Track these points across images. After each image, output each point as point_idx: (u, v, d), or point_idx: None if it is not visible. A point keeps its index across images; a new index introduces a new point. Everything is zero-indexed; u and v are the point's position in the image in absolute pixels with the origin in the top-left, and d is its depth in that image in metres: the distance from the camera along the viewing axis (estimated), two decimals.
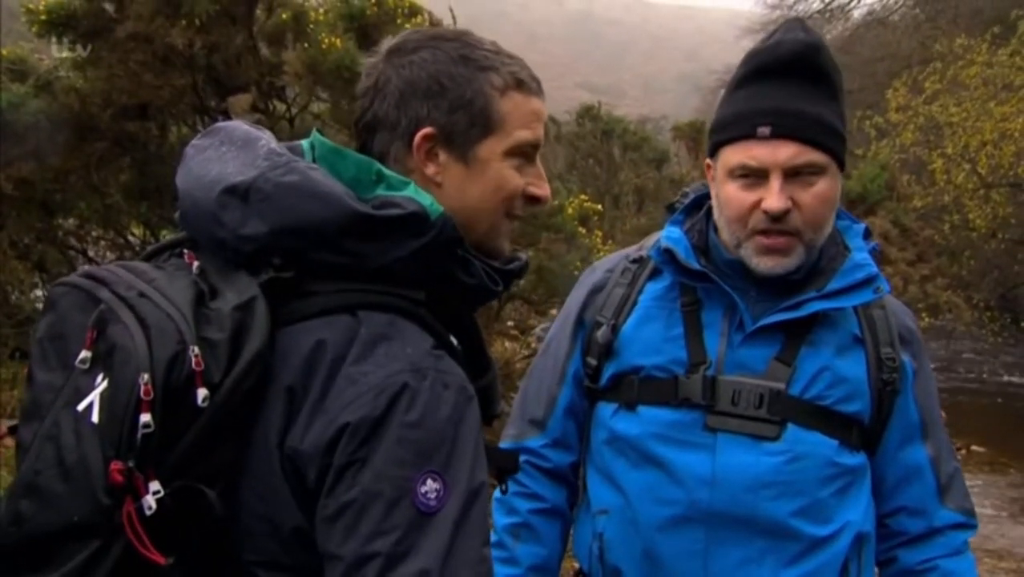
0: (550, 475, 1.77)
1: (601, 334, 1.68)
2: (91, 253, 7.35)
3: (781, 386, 1.57)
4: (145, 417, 0.94)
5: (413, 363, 1.03)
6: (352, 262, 1.07)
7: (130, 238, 7.08)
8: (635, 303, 1.69)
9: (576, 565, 1.77)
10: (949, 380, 14.53)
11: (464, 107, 1.14)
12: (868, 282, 1.59)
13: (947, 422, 1.83)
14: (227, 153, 1.13)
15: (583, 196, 8.62)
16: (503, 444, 1.80)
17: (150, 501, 0.94)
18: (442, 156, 1.15)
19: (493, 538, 1.72)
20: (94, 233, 7.39)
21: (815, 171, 1.56)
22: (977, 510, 1.74)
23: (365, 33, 6.04)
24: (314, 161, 1.15)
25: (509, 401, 2.29)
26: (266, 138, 1.15)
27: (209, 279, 1.08)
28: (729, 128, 1.60)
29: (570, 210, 6.76)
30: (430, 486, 0.99)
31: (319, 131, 1.21)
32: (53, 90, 6.03)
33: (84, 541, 0.96)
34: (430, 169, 1.15)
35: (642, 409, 1.63)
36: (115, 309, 1.02)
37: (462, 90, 1.14)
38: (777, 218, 1.54)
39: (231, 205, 1.08)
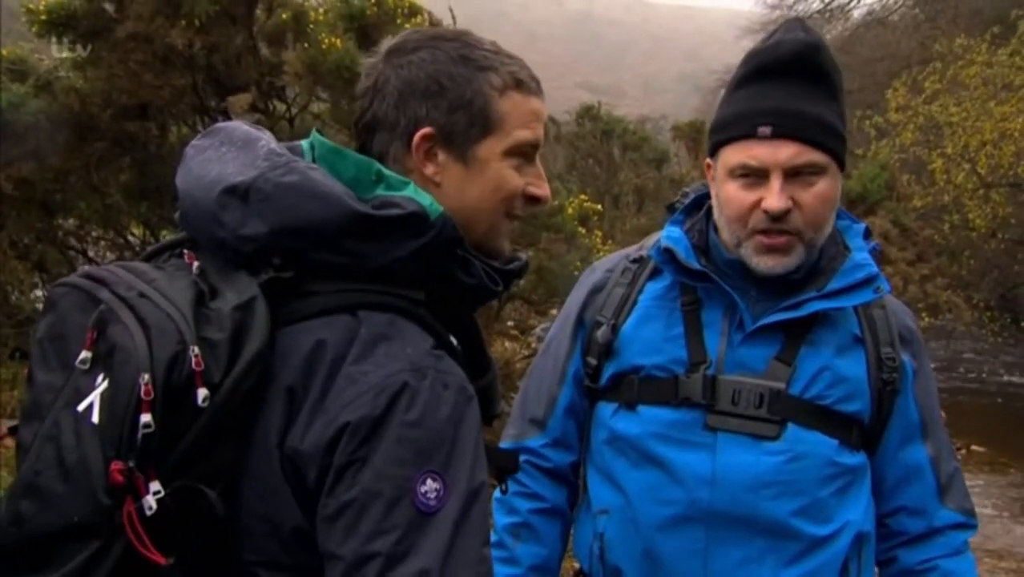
0: (550, 475, 1.77)
1: (601, 334, 1.68)
2: (91, 253, 7.34)
3: (781, 386, 1.57)
4: (145, 417, 0.94)
5: (413, 363, 1.03)
6: (352, 262, 1.07)
7: (130, 238, 7.07)
8: (635, 303, 1.69)
9: (576, 565, 1.77)
10: (949, 380, 14.53)
11: (463, 107, 1.14)
12: (868, 282, 1.60)
13: (947, 422, 1.83)
14: (227, 153, 1.13)
15: (583, 196, 8.62)
16: (503, 444, 1.80)
17: (150, 501, 0.94)
18: (441, 156, 1.15)
19: (493, 538, 1.72)
20: (94, 233, 7.38)
21: (815, 171, 1.56)
22: (977, 510, 1.74)
23: (365, 33, 6.04)
24: (314, 161, 1.15)
25: (509, 401, 2.29)
26: (266, 138, 1.15)
27: (209, 279, 1.08)
28: (729, 128, 1.60)
29: (570, 210, 6.76)
30: (430, 486, 0.99)
31: (319, 131, 1.21)
32: (53, 90, 6.02)
33: (84, 541, 0.96)
34: (429, 169, 1.15)
35: (642, 409, 1.63)
36: (115, 309, 1.02)
37: (461, 90, 1.14)
38: (777, 218, 1.54)
39: (231, 205, 1.08)
